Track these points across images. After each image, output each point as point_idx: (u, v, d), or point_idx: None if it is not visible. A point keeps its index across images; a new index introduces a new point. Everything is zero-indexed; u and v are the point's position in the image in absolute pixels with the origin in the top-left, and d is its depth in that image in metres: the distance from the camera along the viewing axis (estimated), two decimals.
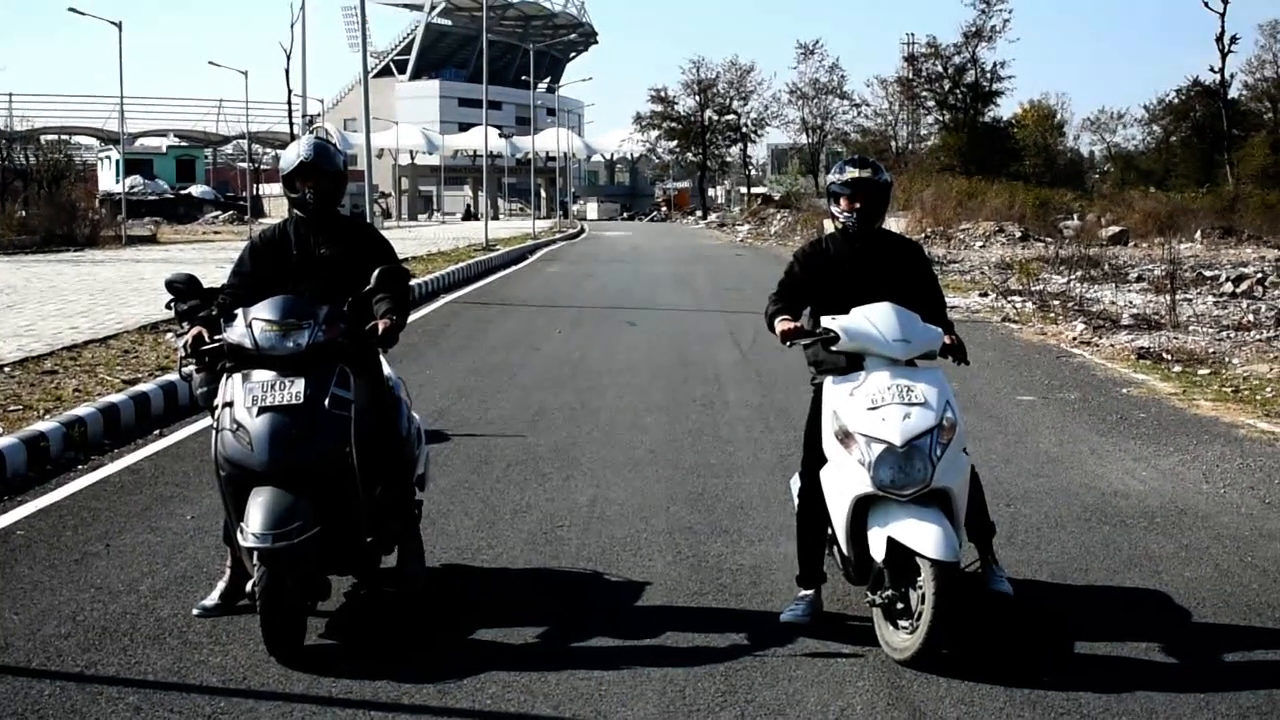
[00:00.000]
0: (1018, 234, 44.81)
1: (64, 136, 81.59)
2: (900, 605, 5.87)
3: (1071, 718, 5.32)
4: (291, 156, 6.62)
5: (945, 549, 5.66)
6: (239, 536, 5.91)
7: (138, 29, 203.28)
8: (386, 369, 7.02)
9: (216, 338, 6.31)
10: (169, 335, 15.96)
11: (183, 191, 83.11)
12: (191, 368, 6.71)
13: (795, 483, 6.84)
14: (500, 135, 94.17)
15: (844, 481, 6.01)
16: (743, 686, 5.63)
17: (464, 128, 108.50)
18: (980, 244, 43.51)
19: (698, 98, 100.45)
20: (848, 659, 5.95)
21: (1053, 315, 21.35)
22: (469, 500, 8.92)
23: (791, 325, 6.36)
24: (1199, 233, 43.09)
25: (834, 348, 6.21)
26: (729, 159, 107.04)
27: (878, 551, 5.89)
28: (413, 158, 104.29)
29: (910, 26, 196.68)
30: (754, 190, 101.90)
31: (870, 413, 5.93)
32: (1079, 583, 7.15)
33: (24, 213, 46.34)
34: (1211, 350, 16.62)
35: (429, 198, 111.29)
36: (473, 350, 17.30)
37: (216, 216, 77.79)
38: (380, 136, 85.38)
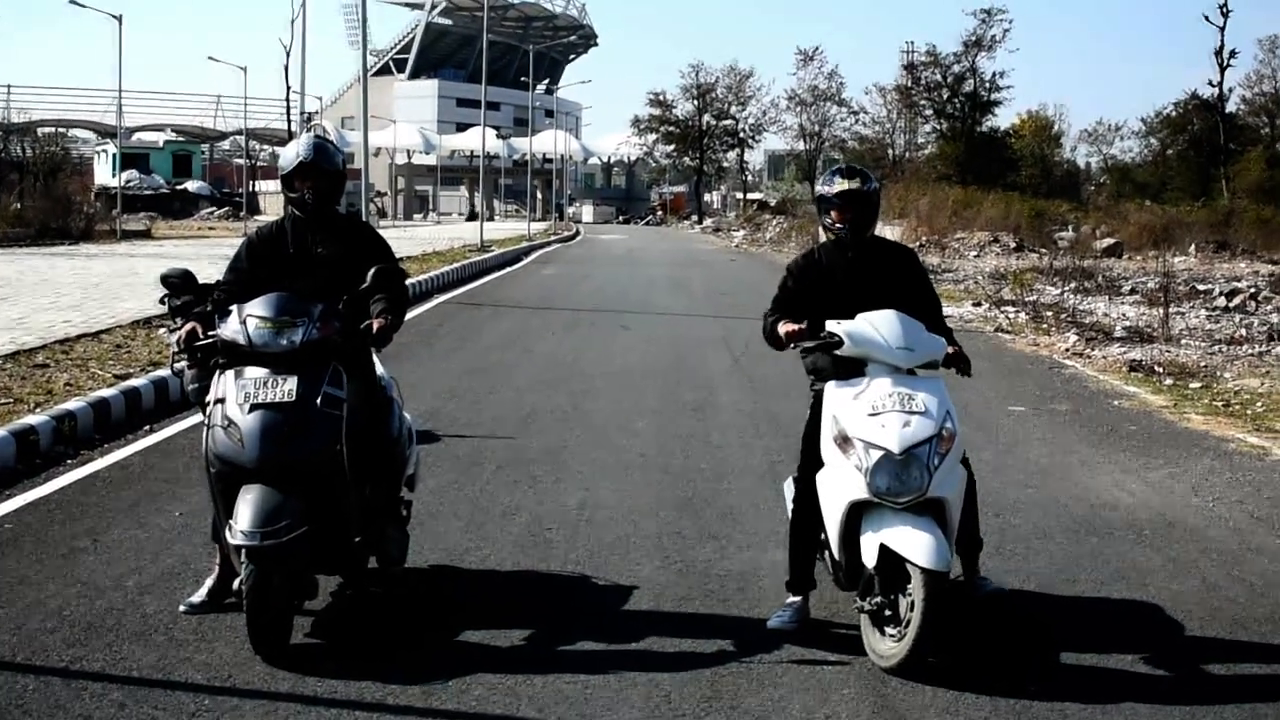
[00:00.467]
0: (1012, 244, 44.83)
1: (61, 129, 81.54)
2: (889, 612, 5.88)
3: None
4: (291, 156, 6.61)
5: (937, 558, 5.67)
6: (227, 534, 5.90)
7: (137, 23, 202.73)
8: (379, 368, 7.01)
9: (210, 334, 6.30)
10: (161, 330, 15.94)
11: (179, 187, 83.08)
12: (183, 363, 6.70)
13: (789, 487, 6.85)
14: (498, 136, 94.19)
15: (840, 486, 6.02)
16: (728, 692, 5.63)
17: (462, 128, 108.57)
18: (975, 254, 43.53)
19: (696, 102, 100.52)
20: (834, 666, 5.96)
21: (1046, 326, 21.37)
22: (458, 501, 8.91)
23: (795, 327, 6.35)
24: (1193, 246, 43.08)
25: (837, 352, 6.21)
26: (726, 164, 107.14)
27: (869, 557, 5.89)
28: (410, 157, 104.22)
29: (910, 35, 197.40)
30: (750, 196, 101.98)
31: (870, 418, 5.94)
32: (1066, 593, 7.16)
33: (19, 205, 46.37)
34: (1203, 364, 16.64)
35: (425, 197, 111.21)
36: (466, 351, 17.30)
37: (212, 212, 77.80)
38: (378, 135, 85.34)
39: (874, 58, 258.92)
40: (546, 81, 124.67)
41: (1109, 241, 44.10)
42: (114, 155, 71.59)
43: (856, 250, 6.51)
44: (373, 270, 6.42)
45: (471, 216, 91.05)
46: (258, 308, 6.20)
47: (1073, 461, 10.66)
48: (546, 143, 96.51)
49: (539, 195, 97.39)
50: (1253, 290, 26.72)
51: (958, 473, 6.07)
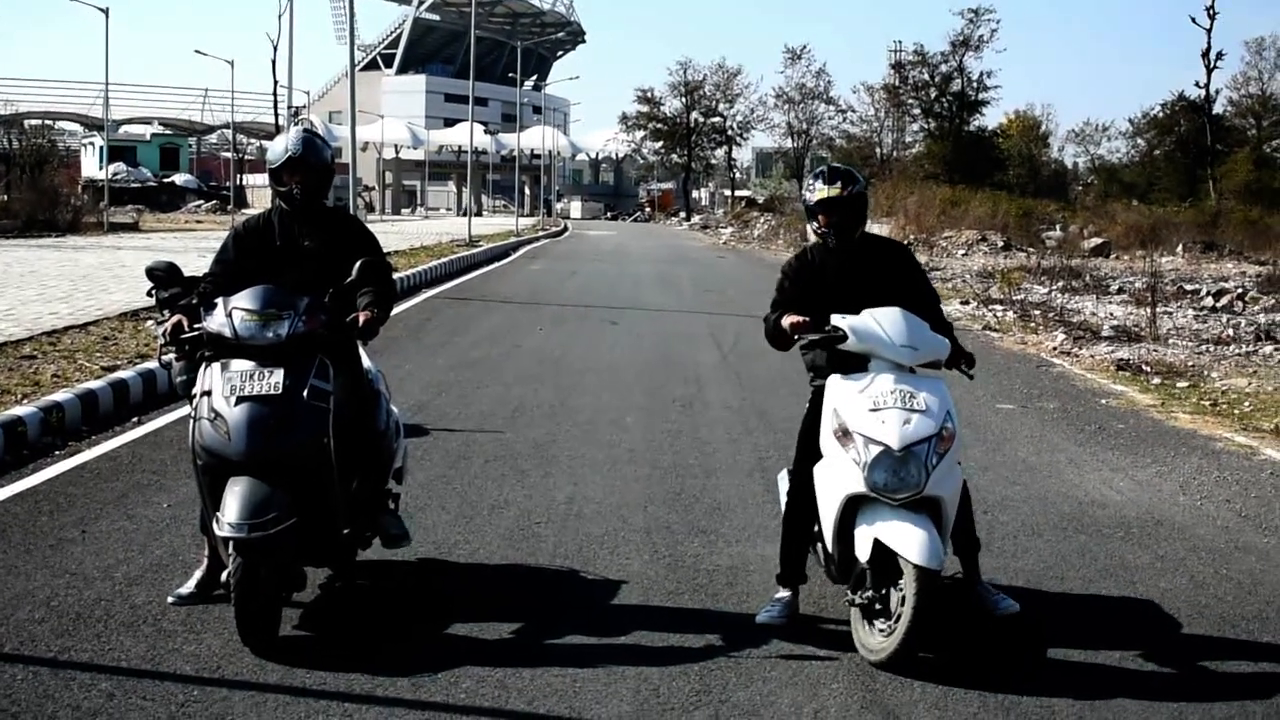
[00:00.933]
0: (1000, 243, 44.92)
1: (48, 122, 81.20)
2: (879, 606, 5.89)
3: None
4: (280, 150, 6.60)
5: (930, 555, 5.67)
6: (215, 526, 5.89)
7: (125, 15, 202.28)
8: (366, 362, 7.01)
9: (196, 326, 6.29)
10: (149, 323, 15.89)
11: (166, 180, 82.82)
12: (171, 355, 6.69)
13: (783, 479, 6.86)
14: (486, 132, 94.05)
15: (837, 479, 6.03)
16: (717, 686, 5.63)
17: (450, 123, 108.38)
18: (962, 252, 43.60)
19: (684, 99, 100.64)
20: (823, 661, 5.96)
21: (1033, 325, 21.41)
22: (446, 495, 8.91)
23: (801, 319, 6.35)
24: (1180, 246, 43.22)
25: (841, 346, 6.21)
26: (714, 161, 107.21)
27: (863, 551, 5.91)
28: (397, 152, 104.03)
29: (898, 34, 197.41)
30: (738, 193, 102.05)
31: (871, 414, 5.95)
32: (1055, 590, 7.17)
33: (6, 197, 46.15)
34: (1191, 363, 16.69)
35: (413, 192, 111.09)
36: (454, 345, 17.28)
37: (199, 206, 77.58)
38: (365, 130, 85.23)
39: (862, 56, 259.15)
40: (534, 78, 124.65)
41: (1096, 241, 44.22)
42: (101, 148, 71.47)
43: (846, 251, 6.51)
44: (359, 263, 6.41)
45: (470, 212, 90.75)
46: (244, 300, 6.19)
47: (1061, 459, 10.68)
48: (534, 139, 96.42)
49: (527, 191, 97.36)
50: (1240, 290, 26.80)
51: (955, 473, 6.08)
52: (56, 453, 9.87)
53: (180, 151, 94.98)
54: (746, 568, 7.34)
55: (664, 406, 12.79)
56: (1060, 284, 28.43)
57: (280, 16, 59.24)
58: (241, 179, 77.09)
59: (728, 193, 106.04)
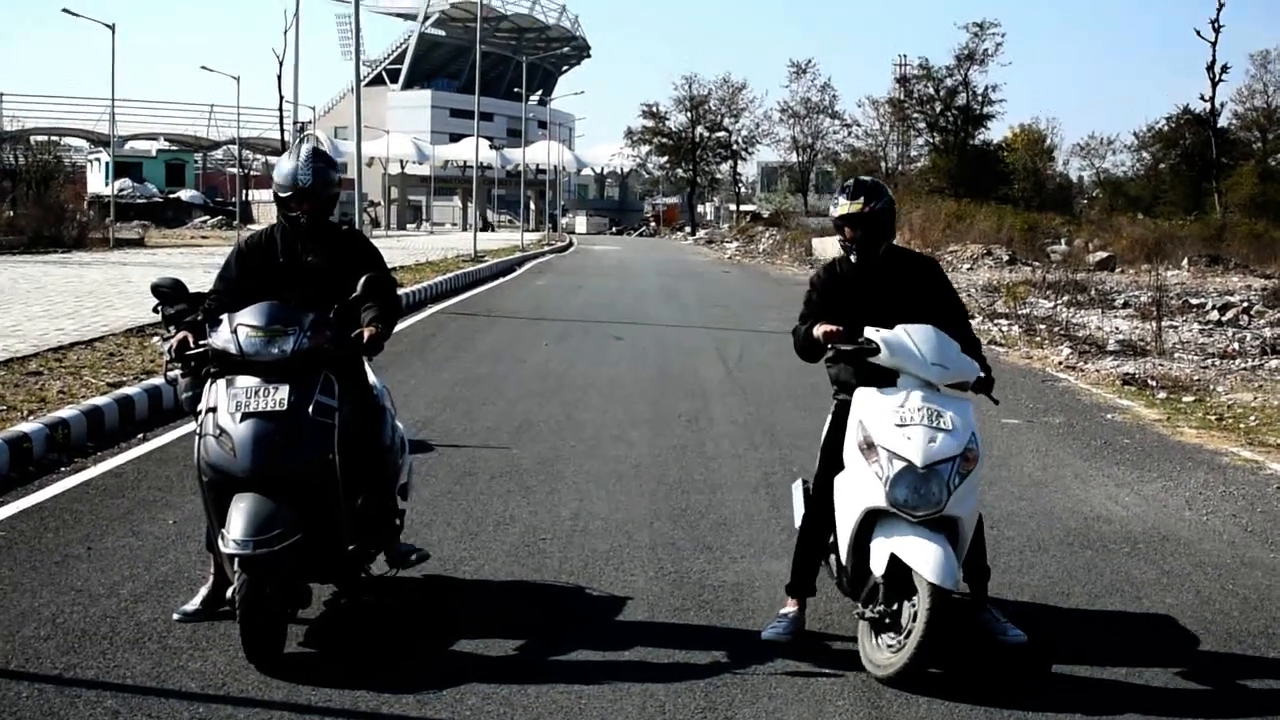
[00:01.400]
0: (1005, 257, 44.91)
1: (54, 138, 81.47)
2: (889, 621, 5.88)
3: None
4: (288, 175, 6.49)
5: (945, 574, 5.67)
6: (220, 542, 5.89)
7: (131, 32, 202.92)
8: (372, 377, 7.00)
9: (202, 342, 6.29)
10: (155, 339, 15.91)
11: (172, 195, 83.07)
12: (177, 372, 6.68)
13: (797, 488, 6.88)
14: (491, 147, 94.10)
15: (858, 491, 6.03)
16: (723, 703, 5.62)
17: (455, 138, 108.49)
18: (968, 266, 43.58)
19: (689, 114, 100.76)
20: (828, 678, 5.95)
21: (1039, 339, 21.40)
22: (452, 511, 8.90)
23: (834, 328, 6.34)
24: (1186, 260, 43.20)
25: (872, 360, 6.21)
26: (719, 176, 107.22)
27: (878, 565, 5.90)
28: (403, 167, 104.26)
29: (903, 48, 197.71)
30: (743, 208, 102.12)
31: (898, 429, 5.95)
32: (1060, 606, 7.17)
33: (12, 213, 46.23)
34: (1196, 378, 16.67)
35: (419, 208, 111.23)
36: (459, 361, 17.28)
37: (205, 221, 77.77)
38: (371, 145, 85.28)
39: (867, 71, 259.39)
40: (540, 93, 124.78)
41: (1102, 255, 44.22)
42: (107, 164, 71.70)
43: (872, 265, 6.50)
44: (364, 279, 6.40)
45: (485, 226, 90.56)
46: (249, 316, 6.19)
47: (1066, 474, 10.67)
48: (540, 154, 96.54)
49: (532, 206, 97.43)
50: (1245, 304, 26.78)
51: (975, 495, 6.08)
52: (62, 469, 9.88)
53: (186, 167, 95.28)
54: (752, 584, 7.34)
55: (669, 422, 12.79)
56: (1065, 298, 28.42)
57: (286, 32, 59.35)
58: (247, 194, 77.14)
59: (733, 207, 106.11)
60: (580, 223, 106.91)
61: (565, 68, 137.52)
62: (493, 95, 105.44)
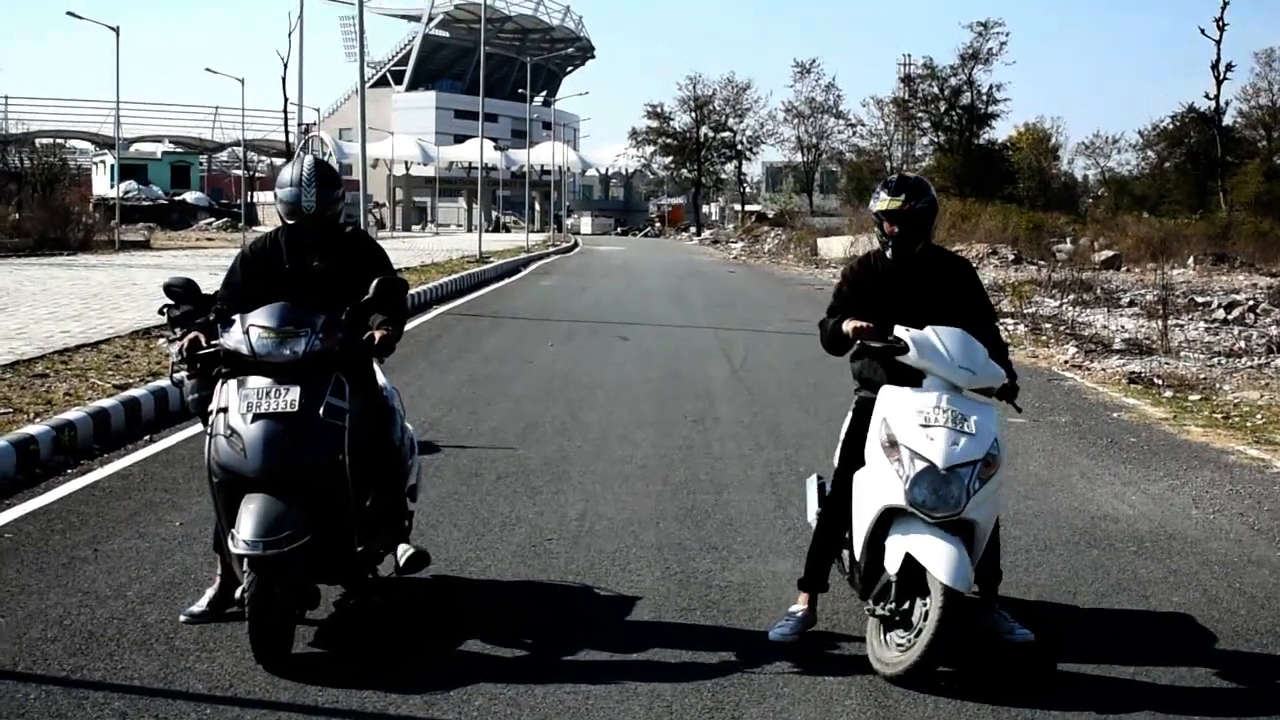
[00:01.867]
0: (1011, 256, 44.88)
1: (59, 140, 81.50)
2: (899, 619, 5.88)
3: None
4: (292, 200, 6.43)
5: (959, 577, 5.66)
6: (229, 543, 5.89)
7: (135, 34, 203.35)
8: (381, 378, 7.01)
9: (212, 343, 6.30)
10: (161, 340, 15.92)
11: (177, 198, 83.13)
12: (183, 373, 6.69)
13: (811, 483, 6.89)
14: (496, 148, 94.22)
15: (877, 488, 6.03)
16: (730, 703, 5.62)
17: (460, 139, 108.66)
18: (974, 266, 43.49)
19: (694, 114, 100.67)
20: (836, 677, 5.95)
21: (1045, 338, 21.39)
22: (459, 512, 8.91)
23: (864, 324, 6.32)
24: (1192, 259, 43.16)
25: (900, 358, 6.20)
26: (724, 176, 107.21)
27: (892, 563, 5.90)
28: (408, 168, 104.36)
29: (907, 48, 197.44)
30: (748, 208, 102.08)
31: (921, 429, 5.94)
32: (1067, 605, 7.16)
33: (17, 215, 46.34)
34: (1203, 376, 16.66)
35: (423, 209, 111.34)
36: (465, 362, 17.29)
37: (210, 223, 77.87)
38: (376, 147, 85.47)
39: (871, 71, 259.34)
40: (544, 93, 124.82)
41: (1107, 254, 44.19)
42: (112, 166, 71.69)
43: (907, 261, 6.49)
44: (375, 282, 6.40)
45: (497, 227, 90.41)
46: (261, 317, 6.20)
47: (1073, 473, 10.66)
48: (544, 154, 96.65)
49: (537, 207, 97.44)
50: (1251, 302, 26.76)
51: (994, 501, 6.07)
52: (69, 471, 9.89)
53: (191, 169, 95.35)
54: (759, 584, 7.34)
55: (675, 422, 12.79)
56: (1071, 297, 28.41)
57: (290, 34, 59.48)
58: (252, 196, 77.34)
59: (738, 207, 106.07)
60: (585, 223, 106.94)
61: (569, 68, 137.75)
62: (497, 96, 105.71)
